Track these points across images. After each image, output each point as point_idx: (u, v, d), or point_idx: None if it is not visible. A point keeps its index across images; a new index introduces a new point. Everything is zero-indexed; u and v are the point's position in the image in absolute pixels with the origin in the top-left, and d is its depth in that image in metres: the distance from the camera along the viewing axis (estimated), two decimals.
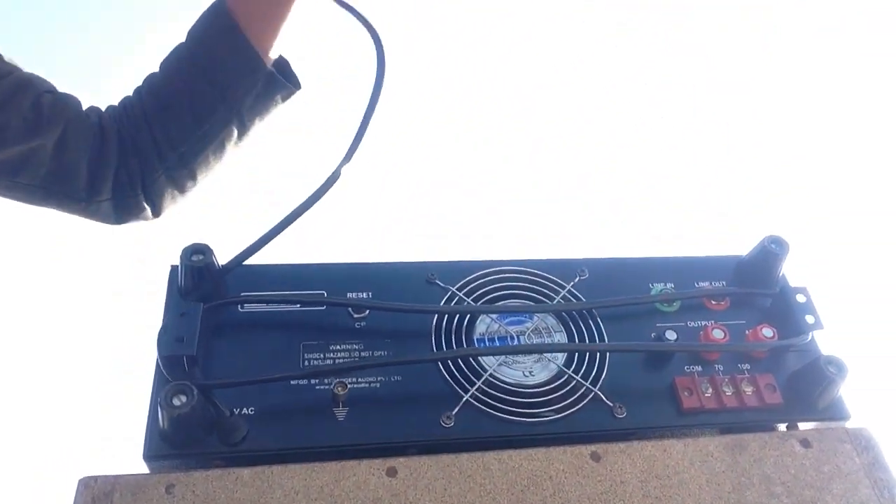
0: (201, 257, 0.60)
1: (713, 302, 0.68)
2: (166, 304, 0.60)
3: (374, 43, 0.66)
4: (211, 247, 0.61)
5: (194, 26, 0.69)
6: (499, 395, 0.60)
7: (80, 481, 0.49)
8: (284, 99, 0.72)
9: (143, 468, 0.54)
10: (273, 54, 0.70)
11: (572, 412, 0.59)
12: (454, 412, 0.58)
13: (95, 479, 0.49)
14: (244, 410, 0.56)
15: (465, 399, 0.59)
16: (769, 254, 0.69)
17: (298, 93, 0.73)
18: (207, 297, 0.60)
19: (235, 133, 0.70)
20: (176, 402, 0.51)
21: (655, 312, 0.66)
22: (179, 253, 0.60)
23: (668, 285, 0.69)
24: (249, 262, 0.63)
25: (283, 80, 0.71)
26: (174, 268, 0.62)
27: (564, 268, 0.69)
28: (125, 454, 0.56)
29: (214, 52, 0.68)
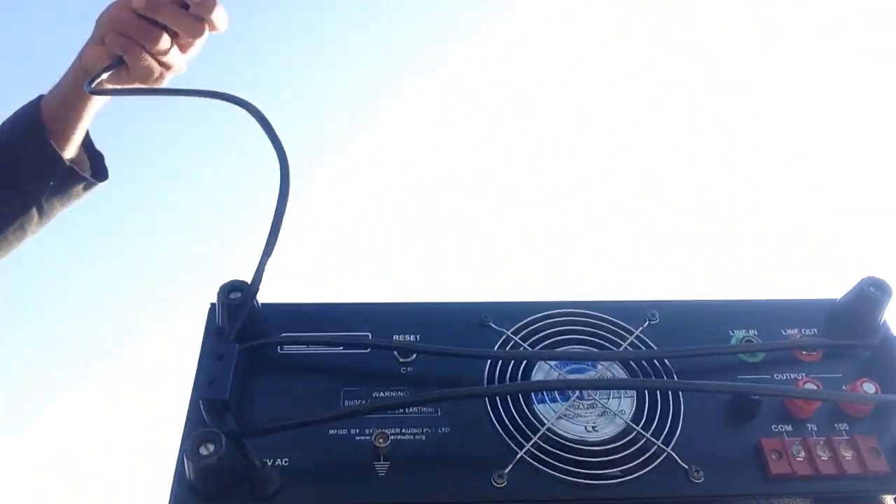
0: (239, 295, 0.57)
1: (804, 353, 0.60)
2: (203, 343, 0.57)
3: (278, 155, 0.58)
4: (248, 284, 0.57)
5: (10, 117, 0.76)
6: (557, 452, 0.53)
7: None
8: (87, 189, 0.78)
9: None
10: (73, 151, 0.76)
11: (641, 474, 0.53)
12: (507, 471, 0.52)
13: None
14: (278, 461, 0.51)
15: (519, 456, 0.53)
16: (868, 298, 0.61)
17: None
18: (246, 337, 0.57)
19: (36, 216, 0.76)
20: (203, 450, 0.47)
21: (737, 364, 0.59)
22: (217, 290, 0.57)
23: (751, 332, 0.62)
24: (292, 300, 0.60)
25: (81, 175, 0.76)
26: (213, 305, 0.59)
27: (631, 311, 0.63)
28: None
29: (17, 146, 0.74)
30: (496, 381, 0.57)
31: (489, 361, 0.58)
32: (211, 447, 0.47)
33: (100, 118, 0.76)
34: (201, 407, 0.52)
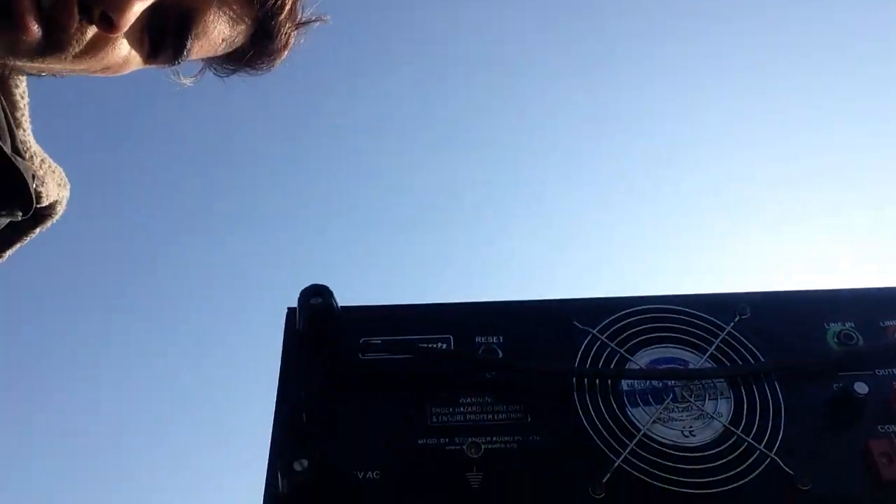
0: (320, 300, 0.55)
1: None
2: (284, 349, 0.56)
3: None
4: (330, 288, 0.56)
5: None
6: (654, 458, 0.51)
7: None
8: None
9: None
10: None
11: (746, 481, 0.50)
12: (605, 479, 0.50)
13: None
14: (368, 474, 0.50)
15: (616, 464, 0.51)
16: None
17: None
18: (326, 345, 0.55)
19: None
20: (297, 466, 0.46)
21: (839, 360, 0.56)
22: (298, 295, 0.56)
23: (848, 324, 0.59)
24: (371, 302, 0.58)
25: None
26: (291, 310, 0.58)
27: (721, 305, 0.60)
28: None
29: None
30: (586, 385, 0.55)
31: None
32: (305, 462, 0.46)
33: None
34: (289, 418, 0.50)
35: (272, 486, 0.49)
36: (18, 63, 0.52)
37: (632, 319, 0.59)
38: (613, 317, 0.59)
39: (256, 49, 0.60)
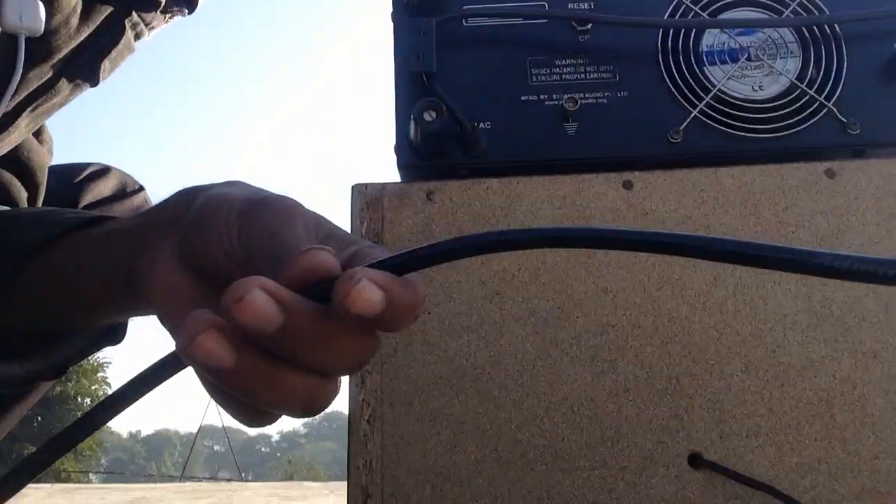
0: None
1: None
2: (395, 19, 0.61)
3: None
4: None
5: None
6: (728, 110, 0.59)
7: (354, 188, 0.56)
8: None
9: (395, 177, 0.59)
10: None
11: (804, 128, 0.58)
12: (682, 127, 0.59)
13: (366, 186, 0.55)
14: (481, 125, 0.58)
15: (693, 114, 0.59)
16: None
17: None
18: (433, 12, 0.60)
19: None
20: (427, 117, 0.54)
21: None
22: None
23: None
24: None
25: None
26: None
27: None
28: (376, 166, 0.61)
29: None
30: (669, 46, 0.61)
31: (661, 30, 0.61)
32: (434, 114, 0.54)
33: None
34: (411, 79, 0.58)
35: (403, 135, 0.58)
36: None
37: None
38: None
39: None
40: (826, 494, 0.47)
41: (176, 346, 0.30)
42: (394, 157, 0.58)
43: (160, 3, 0.64)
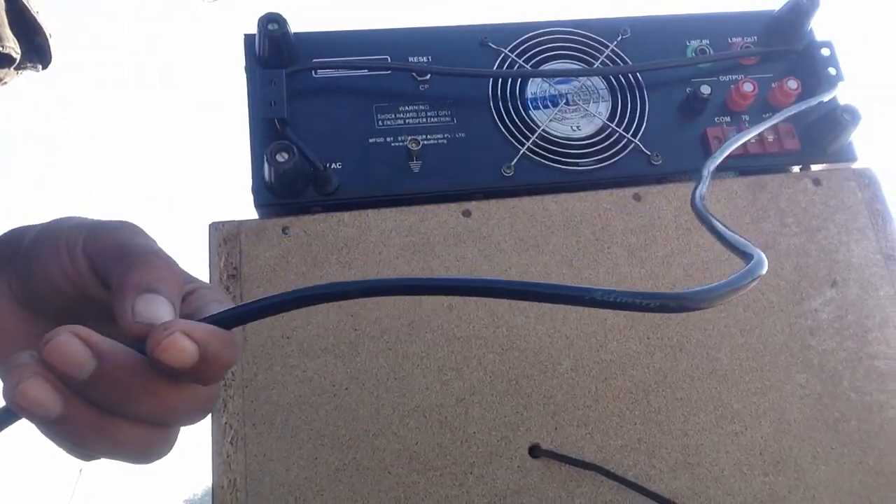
0: (276, 26, 0.64)
1: (744, 59, 0.73)
2: (248, 70, 0.66)
3: None
4: (284, 16, 0.65)
5: None
6: (551, 147, 0.67)
7: (211, 225, 0.59)
8: None
9: (253, 216, 0.63)
10: None
11: (615, 161, 0.68)
12: (513, 163, 0.66)
13: (223, 223, 0.59)
14: (333, 165, 0.64)
15: (521, 152, 0.67)
16: (800, 9, 0.73)
17: None
18: (283, 65, 0.65)
19: None
20: (280, 158, 0.59)
21: (692, 71, 0.72)
22: (256, 22, 0.64)
23: (704, 42, 0.74)
24: (318, 29, 0.67)
25: None
26: (249, 36, 0.67)
27: (608, 27, 0.73)
28: (233, 207, 0.65)
29: None
30: (499, 93, 0.69)
31: (490, 79, 0.69)
32: (286, 155, 0.59)
33: None
34: (264, 125, 0.62)
35: (259, 176, 0.62)
36: None
37: (535, 41, 0.72)
38: (520, 39, 0.71)
39: None
40: (646, 470, 0.54)
41: (3, 395, 0.27)
42: (250, 197, 0.62)
43: (14, 59, 0.66)
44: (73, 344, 0.26)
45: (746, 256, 0.34)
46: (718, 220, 0.42)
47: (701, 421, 0.56)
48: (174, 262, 0.35)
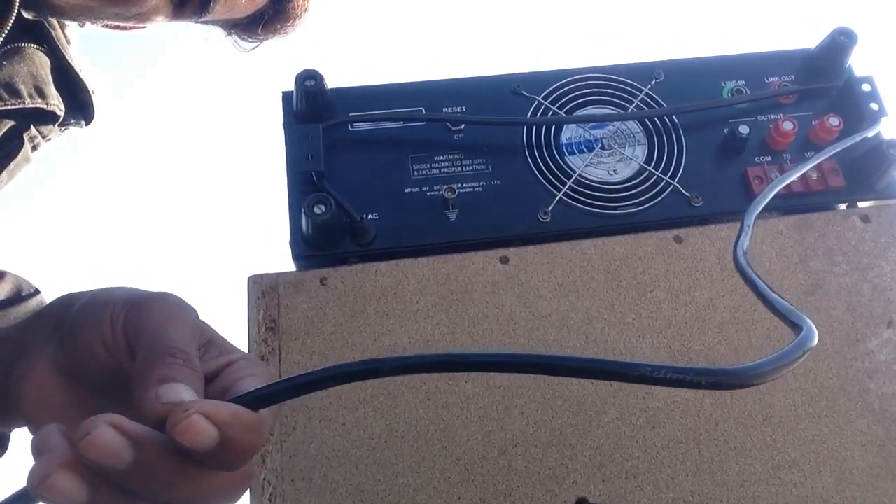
0: (314, 82, 0.66)
1: (782, 98, 0.72)
2: (286, 126, 0.67)
3: None
4: (320, 72, 0.66)
5: None
6: (588, 191, 0.67)
7: (250, 279, 0.59)
8: None
9: (291, 268, 0.63)
10: None
11: (654, 203, 0.67)
12: (550, 209, 0.66)
13: (262, 276, 0.59)
14: (370, 216, 0.64)
15: (558, 197, 0.66)
16: (837, 46, 0.72)
17: None
18: (320, 119, 0.67)
19: None
20: (317, 210, 0.60)
21: (729, 112, 0.71)
22: (294, 79, 0.66)
23: (739, 82, 0.73)
24: (352, 84, 0.69)
25: None
26: (286, 93, 0.68)
27: (641, 72, 0.73)
28: (272, 259, 0.65)
29: None
30: (533, 140, 0.69)
31: (525, 126, 0.70)
32: (323, 207, 0.60)
33: None
34: (302, 178, 0.63)
35: (296, 229, 0.62)
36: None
37: (568, 87, 0.72)
38: (553, 86, 0.72)
39: (276, 10, 0.63)
40: None
41: (27, 481, 0.27)
42: (288, 250, 0.63)
43: (59, 117, 0.69)
44: (112, 436, 0.26)
45: (795, 328, 0.32)
46: (763, 281, 0.40)
47: (757, 471, 0.53)
48: (214, 331, 0.35)
